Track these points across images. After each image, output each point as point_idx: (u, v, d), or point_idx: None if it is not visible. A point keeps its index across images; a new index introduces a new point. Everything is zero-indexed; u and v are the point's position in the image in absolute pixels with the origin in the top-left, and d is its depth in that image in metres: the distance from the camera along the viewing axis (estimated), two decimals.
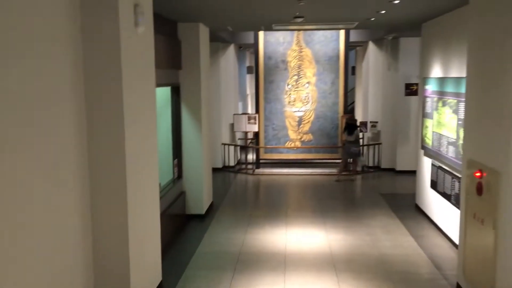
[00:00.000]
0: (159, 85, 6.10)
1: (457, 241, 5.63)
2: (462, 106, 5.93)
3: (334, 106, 12.04)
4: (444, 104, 6.79)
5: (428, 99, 7.54)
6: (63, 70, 3.42)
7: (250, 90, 17.23)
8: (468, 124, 5.00)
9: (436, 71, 7.26)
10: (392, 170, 11.38)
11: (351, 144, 10.87)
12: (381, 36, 10.89)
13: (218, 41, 11.18)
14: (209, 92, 8.50)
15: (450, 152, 6.52)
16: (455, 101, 6.28)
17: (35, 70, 3.01)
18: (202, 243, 6.64)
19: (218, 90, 11.82)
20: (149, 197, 4.57)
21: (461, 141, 5.89)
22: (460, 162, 5.63)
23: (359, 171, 11.51)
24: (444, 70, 6.92)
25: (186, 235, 7.06)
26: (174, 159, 7.40)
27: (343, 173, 11.02)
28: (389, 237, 6.81)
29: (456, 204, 6.17)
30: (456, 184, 6.24)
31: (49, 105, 3.20)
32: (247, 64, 16.20)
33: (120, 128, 3.80)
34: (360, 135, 11.89)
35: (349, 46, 12.20)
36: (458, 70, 6.26)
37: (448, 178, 6.64)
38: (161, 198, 5.98)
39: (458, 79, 6.21)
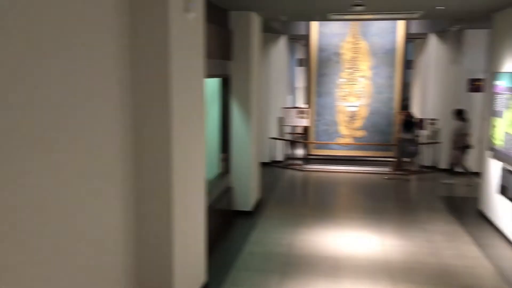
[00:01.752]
0: (209, 76, 5.84)
1: None
2: None
3: (390, 101, 11.43)
4: None
5: (499, 96, 6.87)
6: (109, 55, 3.19)
7: (300, 83, 16.80)
8: None
9: (510, 65, 6.58)
10: (450, 171, 10.65)
11: (408, 143, 10.25)
12: (444, 28, 10.16)
13: (269, 31, 10.83)
14: (259, 85, 8.19)
15: None
16: None
17: (82, 56, 2.79)
18: (249, 242, 6.35)
19: (268, 83, 11.46)
20: (195, 192, 4.32)
21: None
22: None
23: (415, 171, 10.86)
24: None
25: (233, 233, 6.80)
26: (221, 152, 7.14)
27: (397, 172, 10.43)
28: (450, 245, 6.26)
29: None
30: None
31: (92, 95, 2.97)
32: (298, 56, 15.76)
33: (167, 119, 3.55)
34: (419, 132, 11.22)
35: (407, 38, 11.53)
36: None
37: None
38: (207, 193, 5.74)
39: None
